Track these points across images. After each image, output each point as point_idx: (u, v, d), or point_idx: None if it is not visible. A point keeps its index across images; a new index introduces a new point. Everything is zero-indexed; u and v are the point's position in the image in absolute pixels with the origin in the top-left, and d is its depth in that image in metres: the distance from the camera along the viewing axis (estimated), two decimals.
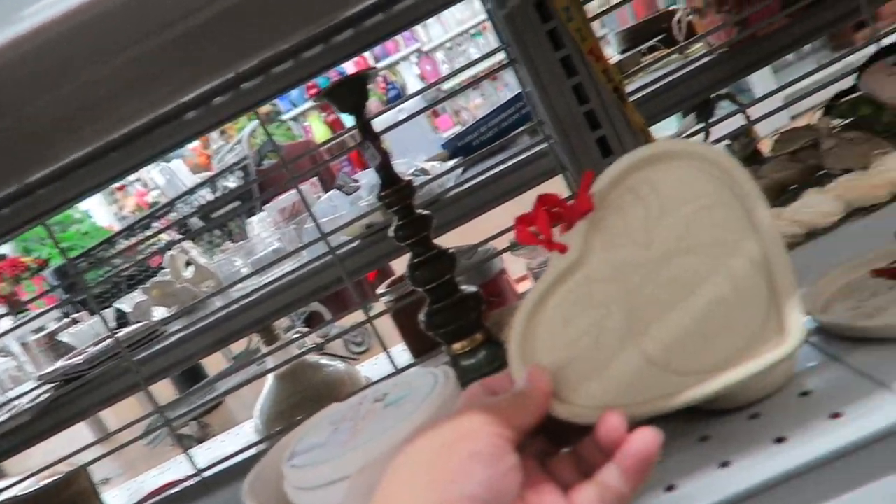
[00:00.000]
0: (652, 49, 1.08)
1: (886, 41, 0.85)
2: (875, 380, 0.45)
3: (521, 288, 1.19)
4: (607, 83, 0.80)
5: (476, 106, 5.40)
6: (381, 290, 1.11)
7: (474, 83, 0.93)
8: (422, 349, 1.11)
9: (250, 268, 1.16)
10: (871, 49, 0.86)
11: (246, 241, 1.24)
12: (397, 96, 5.40)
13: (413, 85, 5.48)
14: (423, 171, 0.98)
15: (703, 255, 0.46)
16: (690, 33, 1.03)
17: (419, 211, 0.73)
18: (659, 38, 1.10)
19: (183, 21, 0.55)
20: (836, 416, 0.44)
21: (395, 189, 0.71)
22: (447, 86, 4.40)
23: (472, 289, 0.77)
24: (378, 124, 0.76)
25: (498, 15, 0.81)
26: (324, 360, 1.14)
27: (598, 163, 0.86)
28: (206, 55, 0.72)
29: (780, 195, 0.83)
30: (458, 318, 0.75)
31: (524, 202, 0.59)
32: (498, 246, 1.02)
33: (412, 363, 1.09)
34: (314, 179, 1.28)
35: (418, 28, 5.23)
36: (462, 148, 1.20)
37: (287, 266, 1.02)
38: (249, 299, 0.98)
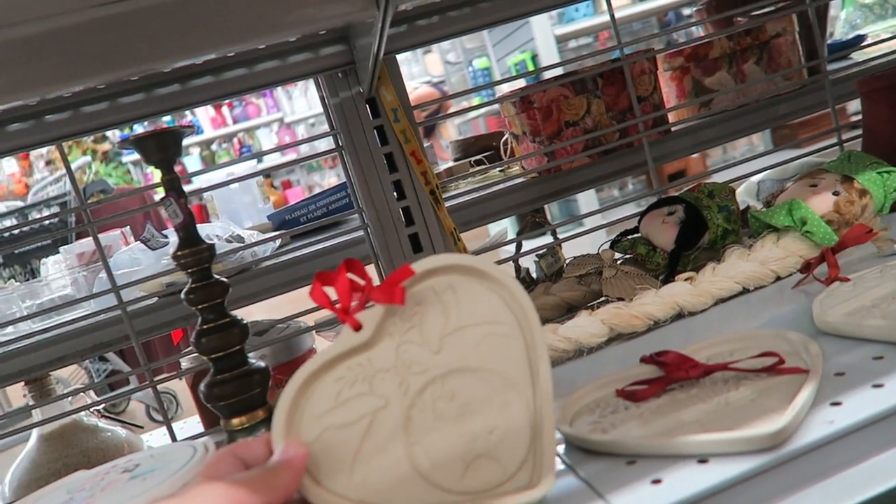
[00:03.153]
0: (479, 162, 1.16)
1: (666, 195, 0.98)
2: (596, 490, 0.49)
3: None
4: (425, 185, 0.85)
5: (331, 184, 5.45)
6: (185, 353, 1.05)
7: (297, 162, 0.94)
8: (214, 421, 1.05)
9: (33, 311, 1.05)
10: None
11: (32, 281, 1.13)
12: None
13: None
14: (239, 238, 0.96)
15: (485, 380, 0.48)
16: (513, 154, 1.13)
17: (216, 276, 0.71)
18: (487, 153, 1.20)
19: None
20: None
21: (193, 251, 0.69)
22: (285, 159, 4.42)
23: (260, 364, 0.75)
24: (202, 183, 0.74)
25: (330, 102, 0.84)
26: (102, 424, 1.04)
27: (409, 257, 0.90)
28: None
29: (566, 313, 0.91)
30: (240, 391, 0.73)
31: None
32: (308, 323, 1.01)
33: (198, 435, 1.03)
34: (126, 229, 1.21)
35: (283, 98, 5.26)
36: (289, 222, 1.20)
37: (70, 315, 0.94)
38: (18, 345, 0.88)
